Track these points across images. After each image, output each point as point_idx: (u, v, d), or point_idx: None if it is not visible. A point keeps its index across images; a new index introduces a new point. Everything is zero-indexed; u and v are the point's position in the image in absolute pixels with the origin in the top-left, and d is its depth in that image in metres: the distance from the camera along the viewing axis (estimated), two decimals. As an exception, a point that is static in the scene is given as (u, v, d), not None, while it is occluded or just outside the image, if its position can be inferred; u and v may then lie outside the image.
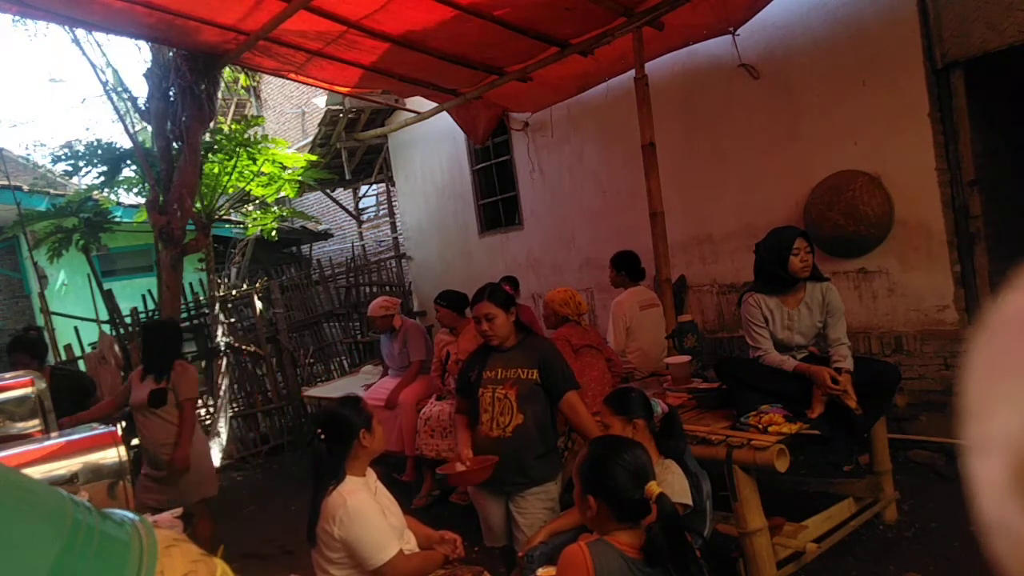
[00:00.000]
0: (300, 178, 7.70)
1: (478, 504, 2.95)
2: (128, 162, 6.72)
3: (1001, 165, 4.48)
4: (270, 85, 14.59)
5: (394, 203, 10.25)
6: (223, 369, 6.89)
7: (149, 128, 6.22)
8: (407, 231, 9.32)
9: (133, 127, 7.12)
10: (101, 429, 2.87)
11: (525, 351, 2.85)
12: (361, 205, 11.67)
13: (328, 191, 11.11)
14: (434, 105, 6.47)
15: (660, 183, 4.43)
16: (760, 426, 2.98)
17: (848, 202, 4.48)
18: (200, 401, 7.13)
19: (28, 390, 3.04)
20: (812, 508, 3.35)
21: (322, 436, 2.32)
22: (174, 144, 5.62)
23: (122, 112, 6.75)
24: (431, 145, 8.35)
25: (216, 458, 6.68)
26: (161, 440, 3.83)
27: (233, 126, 7.23)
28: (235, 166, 6.96)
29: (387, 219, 10.68)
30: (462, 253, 8.29)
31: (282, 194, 7.93)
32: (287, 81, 9.97)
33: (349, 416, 2.32)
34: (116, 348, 5.88)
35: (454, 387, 3.78)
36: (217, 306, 7.04)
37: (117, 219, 7.80)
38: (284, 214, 8.85)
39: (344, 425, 2.31)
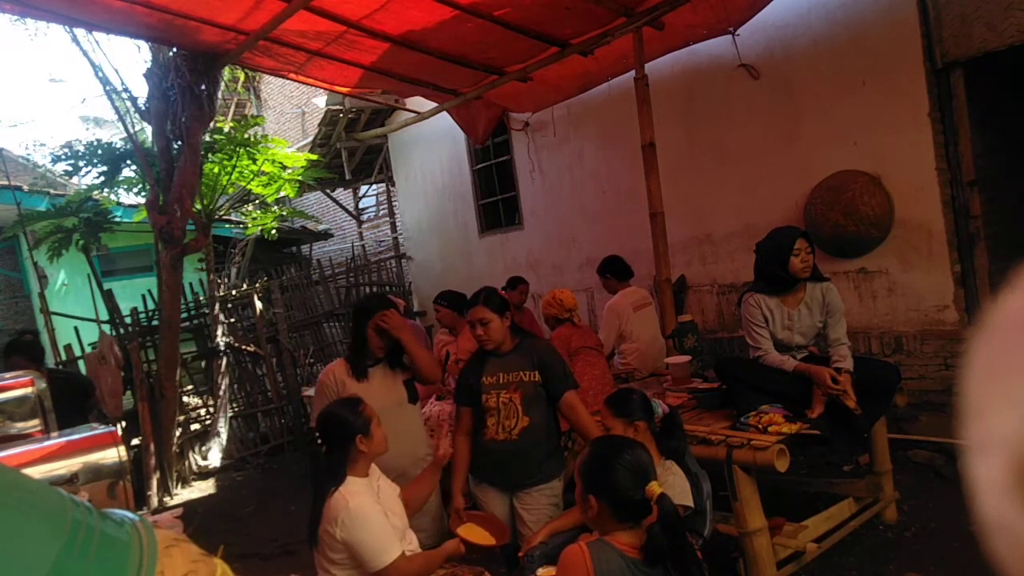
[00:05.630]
0: (300, 178, 7.69)
1: (482, 502, 2.95)
2: (128, 162, 6.72)
3: (1001, 165, 4.47)
4: (270, 85, 14.58)
5: (394, 203, 10.25)
6: (223, 369, 6.89)
7: (148, 128, 6.22)
8: (407, 231, 9.32)
9: (133, 127, 7.11)
10: (101, 429, 2.87)
11: (523, 354, 2.85)
12: (361, 205, 11.67)
13: (328, 191, 11.11)
14: (434, 105, 6.47)
15: (660, 183, 4.43)
16: (760, 426, 2.98)
17: (848, 202, 4.48)
18: (200, 401, 7.14)
19: (28, 390, 3.04)
20: (812, 508, 3.35)
21: (319, 439, 2.31)
22: (174, 144, 5.62)
23: (122, 112, 6.75)
24: (431, 145, 8.34)
25: (216, 458, 6.68)
26: None
27: (233, 125, 7.23)
28: (235, 166, 6.95)
29: (387, 219, 10.68)
30: (462, 253, 8.29)
31: (282, 194, 7.92)
32: (287, 81, 9.98)
33: (346, 419, 2.30)
34: (116, 348, 5.88)
35: (453, 387, 3.77)
36: (217, 306, 7.03)
37: (117, 219, 7.79)
38: (284, 214, 8.84)
39: (341, 429, 2.29)
